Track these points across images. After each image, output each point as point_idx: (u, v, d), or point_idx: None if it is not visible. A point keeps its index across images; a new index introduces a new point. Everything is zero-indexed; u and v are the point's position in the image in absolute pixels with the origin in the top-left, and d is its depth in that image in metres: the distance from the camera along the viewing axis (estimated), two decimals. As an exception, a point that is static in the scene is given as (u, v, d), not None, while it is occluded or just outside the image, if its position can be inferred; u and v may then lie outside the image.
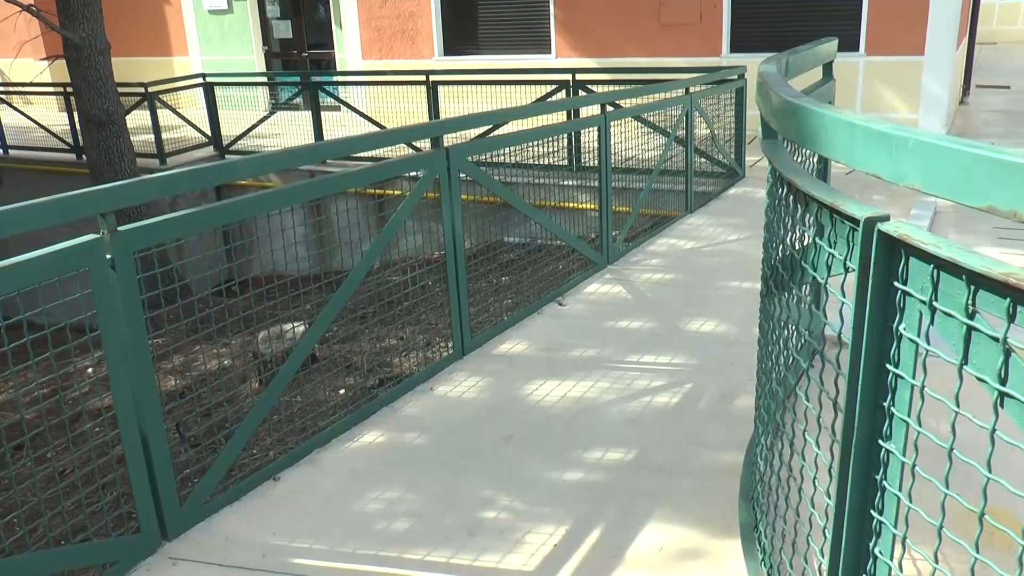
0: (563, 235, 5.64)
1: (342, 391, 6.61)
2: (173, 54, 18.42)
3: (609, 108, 5.82)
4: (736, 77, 8.75)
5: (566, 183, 9.78)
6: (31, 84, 14.23)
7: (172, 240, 3.08)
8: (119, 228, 2.76)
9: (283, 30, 17.19)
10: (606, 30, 12.65)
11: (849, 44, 11.45)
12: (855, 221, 1.45)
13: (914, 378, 1.35)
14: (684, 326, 4.89)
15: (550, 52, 13.15)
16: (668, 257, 6.34)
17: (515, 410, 3.99)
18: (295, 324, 7.34)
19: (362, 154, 11.10)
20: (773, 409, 2.11)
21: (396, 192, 11.21)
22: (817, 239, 1.67)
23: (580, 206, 9.73)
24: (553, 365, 4.44)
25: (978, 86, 14.66)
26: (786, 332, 2.29)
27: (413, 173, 4.45)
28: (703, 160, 8.40)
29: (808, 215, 1.74)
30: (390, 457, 3.65)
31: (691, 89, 7.40)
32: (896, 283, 1.36)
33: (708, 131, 8.11)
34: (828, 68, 4.22)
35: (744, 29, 12.02)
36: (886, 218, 1.39)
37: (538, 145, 5.90)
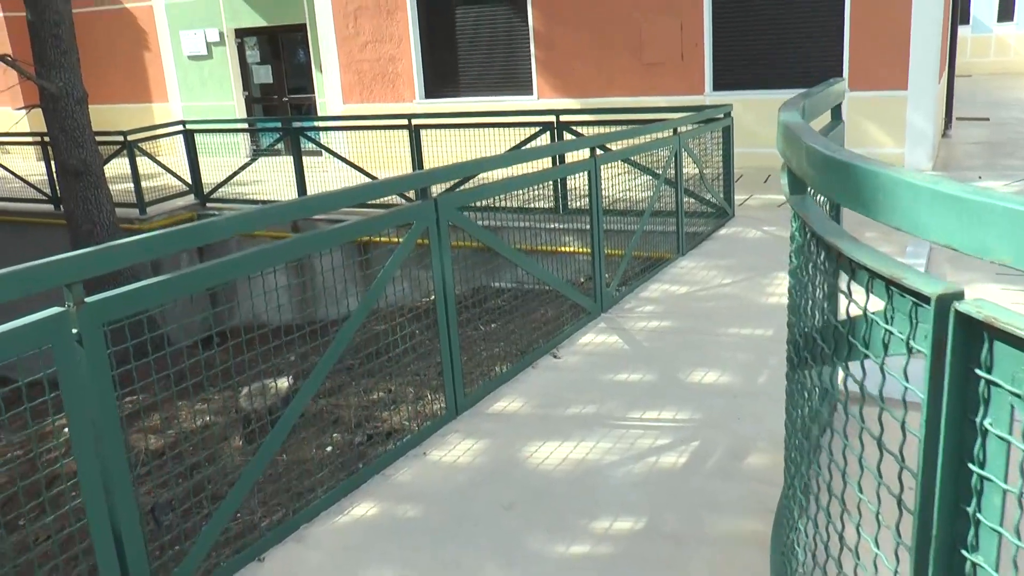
0: (556, 283, 5.46)
1: (328, 448, 6.38)
2: (153, 100, 18.28)
3: (599, 151, 5.67)
4: (722, 116, 8.65)
5: (553, 226, 9.63)
6: (7, 134, 14.00)
7: (149, 308, 2.86)
8: (87, 299, 2.55)
9: (263, 75, 17.10)
10: (588, 70, 12.60)
11: (833, 79, 11.39)
12: (923, 298, 1.27)
13: (1006, 481, 1.16)
14: (685, 377, 4.70)
15: (532, 93, 13.08)
16: (663, 303, 6.16)
17: (514, 475, 3.77)
18: (278, 379, 7.10)
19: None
20: (814, 491, 1.91)
21: (381, 239, 11.06)
22: (870, 314, 1.49)
23: (569, 250, 9.57)
24: (552, 424, 4.23)
25: (958, 119, 14.68)
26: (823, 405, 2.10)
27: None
28: (692, 200, 8.26)
29: (854, 282, 1.56)
30: (384, 531, 3.42)
31: (679, 129, 7.28)
32: (979, 371, 1.18)
33: (696, 171, 7.98)
34: (837, 110, 4.07)
35: (726, 67, 11.99)
36: (961, 295, 1.21)
37: (525, 189, 5.75)
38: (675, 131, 7.17)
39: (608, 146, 6.03)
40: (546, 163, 9.68)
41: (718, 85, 12.07)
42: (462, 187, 8.37)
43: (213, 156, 12.36)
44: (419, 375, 6.27)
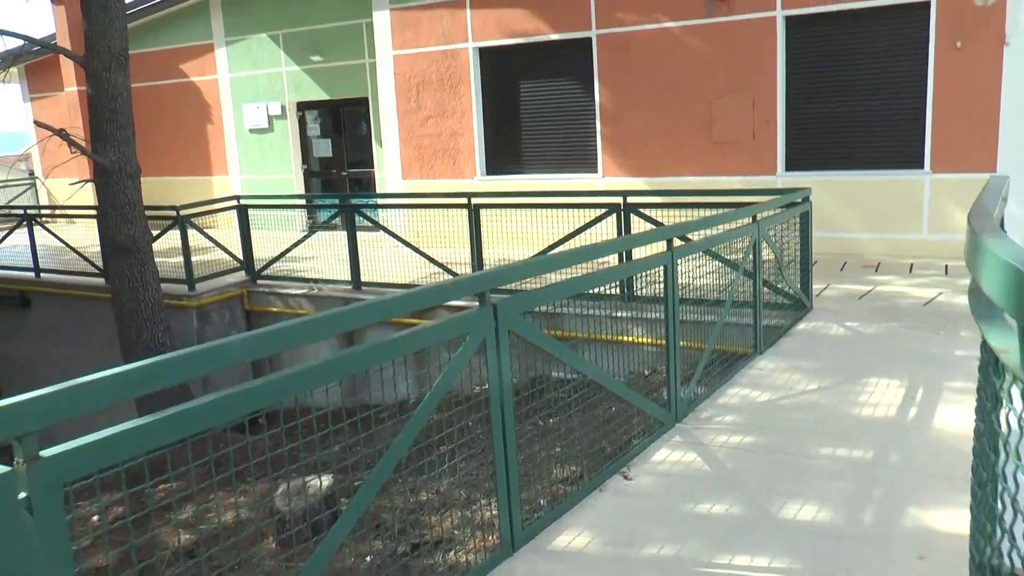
0: (626, 394, 4.89)
1: (368, 558, 5.80)
2: (213, 173, 18.32)
3: (677, 242, 5.14)
4: (801, 200, 8.09)
5: (618, 315, 9.08)
6: (61, 207, 13.98)
7: (131, 459, 2.34)
8: (43, 453, 2.04)
9: (323, 149, 17.01)
10: (655, 148, 12.16)
11: (913, 160, 10.83)
12: None
13: None
14: (777, 511, 4.07)
15: (597, 171, 12.67)
16: (743, 412, 5.55)
17: (580, 635, 3.19)
18: (319, 476, 6.56)
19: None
20: None
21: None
22: None
23: (634, 340, 8.99)
24: (626, 567, 3.63)
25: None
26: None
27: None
28: (768, 291, 7.67)
29: None
30: None
31: (759, 216, 6.73)
32: None
33: (774, 259, 7.40)
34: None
35: (800, 146, 11.46)
36: None
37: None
38: (754, 218, 6.62)
39: (688, 236, 5.50)
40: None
41: (791, 165, 11.53)
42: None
43: (269, 229, 12.11)
44: (472, 474, 5.71)
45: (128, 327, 9.50)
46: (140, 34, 18.66)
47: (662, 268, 4.96)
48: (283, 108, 16.96)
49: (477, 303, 3.64)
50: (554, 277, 4.52)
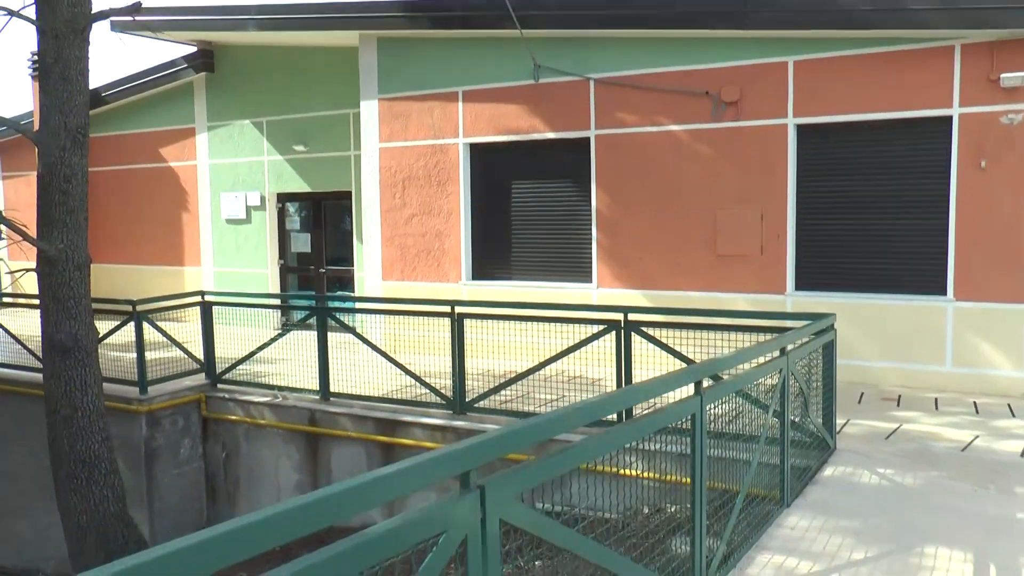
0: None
1: None
2: (186, 264, 17.36)
3: (707, 382, 4.18)
4: (826, 328, 7.20)
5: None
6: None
7: None
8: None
9: (302, 243, 16.14)
10: (654, 260, 11.32)
11: (934, 286, 10.03)
12: None
13: None
14: None
15: (591, 281, 11.80)
16: (779, 592, 4.52)
17: None
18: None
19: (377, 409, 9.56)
20: None
21: (404, 440, 9.60)
22: None
23: (635, 473, 7.96)
24: None
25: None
26: None
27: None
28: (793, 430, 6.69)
29: None
30: None
31: (787, 348, 5.81)
32: None
33: (801, 395, 6.45)
34: None
35: (811, 264, 10.65)
36: None
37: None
38: (783, 350, 5.69)
39: (720, 375, 4.57)
40: (606, 348, 8.24)
41: (801, 284, 10.70)
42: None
43: (239, 326, 11.08)
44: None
45: (60, 435, 8.41)
46: (119, 115, 17.98)
47: (691, 417, 3.99)
48: (262, 199, 16.14)
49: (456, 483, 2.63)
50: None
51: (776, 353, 5.62)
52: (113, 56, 53.78)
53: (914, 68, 9.92)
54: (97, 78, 53.98)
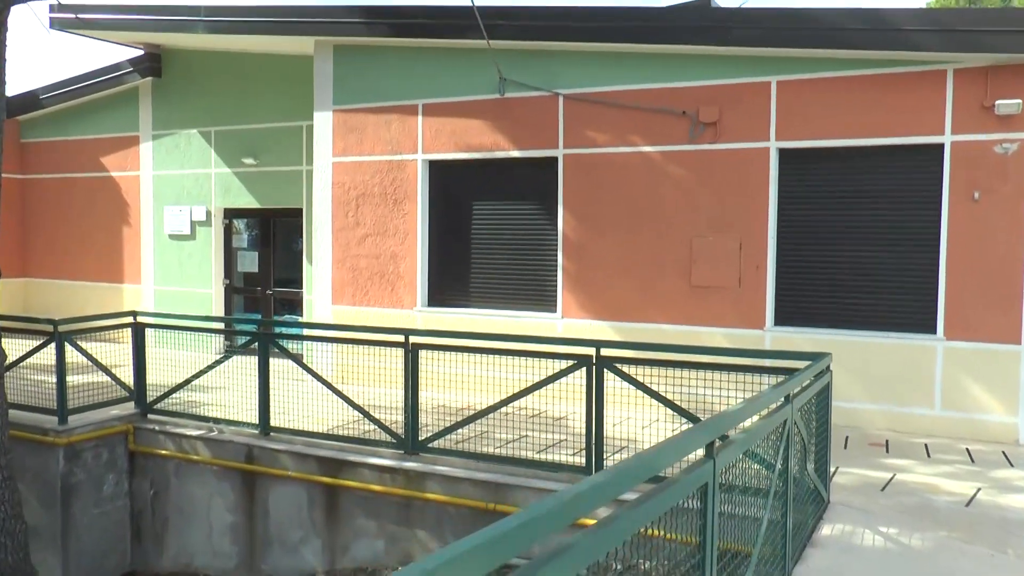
0: None
1: None
2: (125, 281, 16.29)
3: (717, 442, 3.39)
4: (824, 369, 6.50)
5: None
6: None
7: None
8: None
9: (248, 263, 15.19)
10: (624, 288, 10.59)
11: (923, 324, 9.42)
12: None
13: None
14: None
15: (555, 310, 11.04)
16: None
17: None
18: None
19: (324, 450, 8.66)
20: None
21: (350, 482, 8.70)
22: None
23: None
24: None
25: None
26: None
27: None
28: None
29: None
30: None
31: (791, 393, 5.06)
32: None
33: (801, 445, 5.71)
34: None
35: (792, 298, 10.00)
36: None
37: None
38: (787, 397, 4.95)
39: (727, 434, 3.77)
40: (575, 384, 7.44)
41: (781, 319, 10.03)
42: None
43: (177, 348, 10.13)
44: None
45: (-44, 472, 7.43)
46: (58, 119, 16.94)
47: (704, 486, 3.19)
48: (208, 214, 15.18)
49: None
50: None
51: (780, 400, 4.87)
52: (55, 59, 52.28)
53: (904, 92, 9.35)
54: (36, 80, 52.40)
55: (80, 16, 13.98)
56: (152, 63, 15.45)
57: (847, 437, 9.05)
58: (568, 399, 8.12)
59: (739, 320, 10.07)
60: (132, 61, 15.60)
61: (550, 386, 7.72)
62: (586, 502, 2.30)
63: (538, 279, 11.28)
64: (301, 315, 14.27)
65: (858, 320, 9.69)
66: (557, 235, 11.00)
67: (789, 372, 6.64)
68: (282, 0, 13.08)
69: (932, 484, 7.37)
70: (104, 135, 16.43)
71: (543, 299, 11.22)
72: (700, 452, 3.26)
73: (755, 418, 4.17)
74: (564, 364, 7.61)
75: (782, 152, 9.94)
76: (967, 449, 8.65)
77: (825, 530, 6.10)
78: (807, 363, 6.51)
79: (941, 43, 9.02)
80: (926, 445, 8.80)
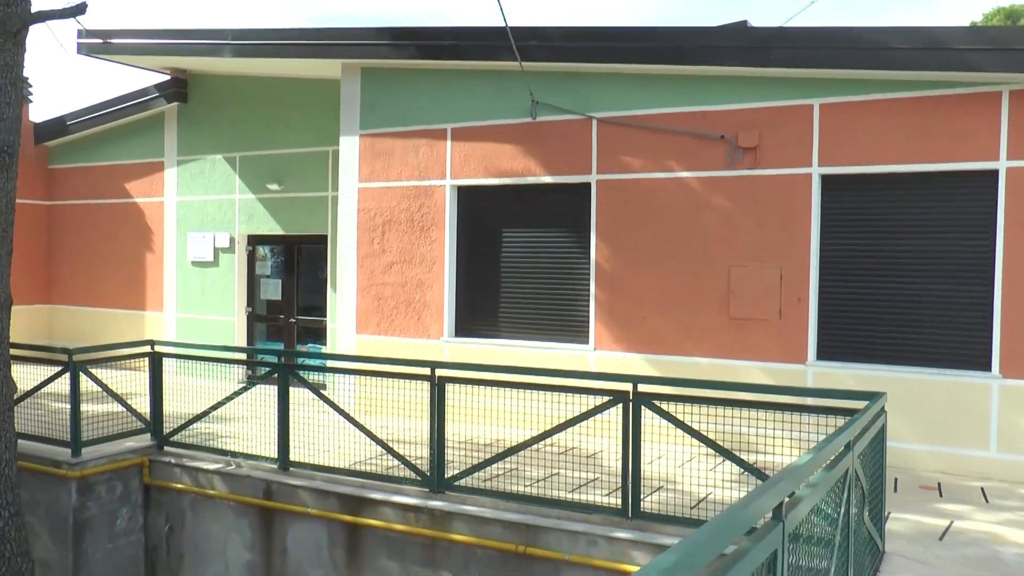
0: None
1: None
2: (147, 308, 16.04)
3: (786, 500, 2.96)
4: (880, 411, 6.04)
5: (617, 535, 6.86)
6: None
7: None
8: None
9: (272, 290, 14.90)
10: (659, 320, 10.16)
11: (977, 360, 8.91)
12: None
13: None
14: None
15: (587, 342, 10.61)
16: None
17: None
18: None
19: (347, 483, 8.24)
20: None
21: (373, 521, 8.29)
22: None
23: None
24: None
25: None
26: None
27: None
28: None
29: None
30: None
31: (852, 440, 4.62)
32: None
33: (860, 493, 5.25)
34: None
35: (836, 332, 9.52)
36: None
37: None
38: (848, 445, 4.50)
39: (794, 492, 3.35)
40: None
41: (824, 353, 9.55)
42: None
43: (198, 377, 9.79)
44: None
45: (-39, 509, 7.10)
46: (84, 145, 16.81)
47: (772, 556, 2.76)
48: (232, 240, 14.93)
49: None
50: None
51: (841, 447, 4.42)
52: (83, 85, 52.79)
53: (956, 115, 8.90)
54: (64, 106, 52.89)
55: (107, 41, 13.83)
56: (178, 88, 15.28)
57: (896, 479, 8.53)
58: (600, 434, 7.69)
59: (780, 354, 9.61)
60: (158, 86, 15.44)
61: (591, 425, 7.31)
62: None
63: (570, 309, 10.87)
64: (325, 344, 13.94)
65: (906, 356, 9.19)
66: (590, 263, 10.60)
67: (838, 412, 6.22)
68: (309, 23, 12.86)
69: (995, 533, 6.85)
70: (129, 161, 16.26)
71: (575, 330, 10.80)
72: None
73: (818, 469, 3.74)
74: (599, 400, 7.19)
75: (825, 178, 9.50)
76: (1027, 494, 8.12)
77: (884, 585, 5.62)
78: (857, 402, 6.09)
79: (995, 63, 8.58)
80: (982, 489, 8.27)
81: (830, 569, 3.88)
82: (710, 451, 6.92)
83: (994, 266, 8.79)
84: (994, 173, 8.79)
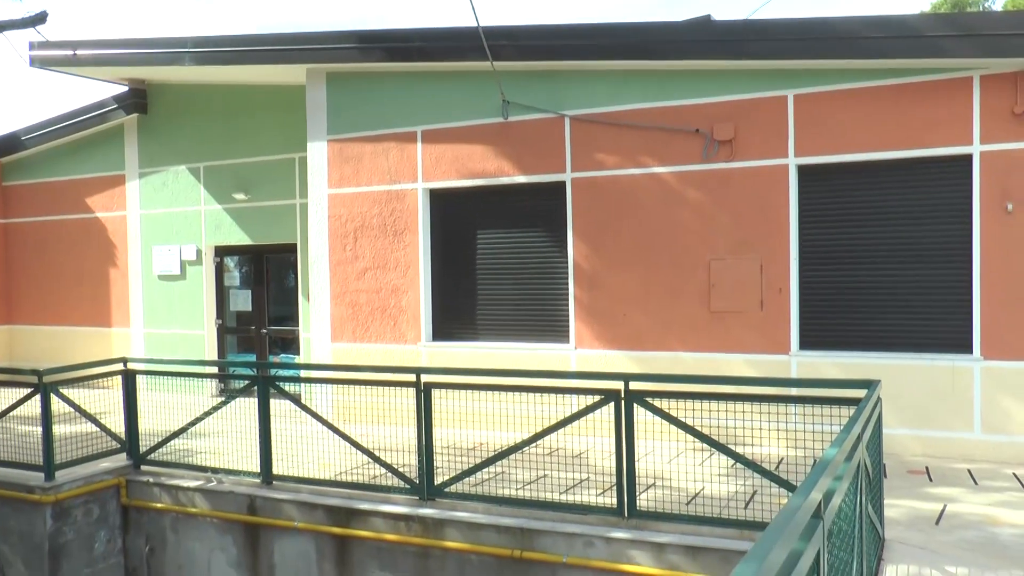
0: None
1: None
2: (113, 325, 15.70)
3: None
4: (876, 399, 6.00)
5: (614, 535, 6.76)
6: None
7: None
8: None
9: (241, 301, 14.65)
10: (641, 316, 10.10)
11: (959, 343, 8.95)
12: None
13: None
14: None
15: (568, 341, 10.53)
16: None
17: None
18: None
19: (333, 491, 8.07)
20: None
21: (362, 532, 8.13)
22: None
23: (636, 570, 6.68)
24: None
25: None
26: None
27: None
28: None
29: None
30: None
31: (859, 429, 4.56)
32: None
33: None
34: None
35: (818, 321, 9.52)
36: None
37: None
38: (858, 439, 4.44)
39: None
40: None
41: (807, 343, 9.55)
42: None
43: (171, 392, 9.53)
44: None
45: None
46: (41, 161, 16.43)
47: (816, 556, 2.67)
48: (199, 252, 14.66)
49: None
50: None
51: (854, 438, 4.36)
52: (39, 100, 51.80)
53: (928, 102, 8.94)
54: (16, 121, 51.83)
55: (62, 52, 13.50)
56: (137, 99, 14.97)
57: (884, 465, 8.53)
58: (585, 433, 7.59)
59: (763, 345, 9.59)
60: (116, 98, 15.12)
61: (583, 425, 7.21)
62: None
63: (549, 309, 10.78)
64: (298, 354, 13.73)
65: (888, 342, 9.21)
66: (568, 262, 10.51)
67: (829, 401, 6.18)
68: (272, 28, 12.65)
69: (990, 515, 6.85)
70: (88, 175, 15.91)
71: (555, 330, 10.71)
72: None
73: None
74: (586, 400, 7.09)
75: (801, 168, 9.50)
76: (1014, 474, 8.15)
77: (889, 572, 5.58)
78: (850, 391, 6.05)
79: (967, 48, 8.62)
80: (970, 471, 8.30)
81: (852, 561, 3.82)
82: (698, 445, 6.87)
83: (971, 250, 8.84)
84: (968, 158, 8.84)
